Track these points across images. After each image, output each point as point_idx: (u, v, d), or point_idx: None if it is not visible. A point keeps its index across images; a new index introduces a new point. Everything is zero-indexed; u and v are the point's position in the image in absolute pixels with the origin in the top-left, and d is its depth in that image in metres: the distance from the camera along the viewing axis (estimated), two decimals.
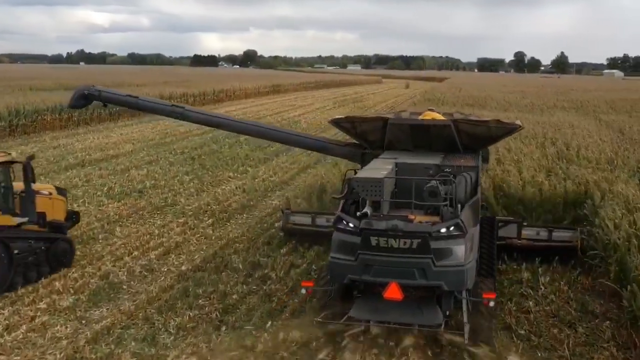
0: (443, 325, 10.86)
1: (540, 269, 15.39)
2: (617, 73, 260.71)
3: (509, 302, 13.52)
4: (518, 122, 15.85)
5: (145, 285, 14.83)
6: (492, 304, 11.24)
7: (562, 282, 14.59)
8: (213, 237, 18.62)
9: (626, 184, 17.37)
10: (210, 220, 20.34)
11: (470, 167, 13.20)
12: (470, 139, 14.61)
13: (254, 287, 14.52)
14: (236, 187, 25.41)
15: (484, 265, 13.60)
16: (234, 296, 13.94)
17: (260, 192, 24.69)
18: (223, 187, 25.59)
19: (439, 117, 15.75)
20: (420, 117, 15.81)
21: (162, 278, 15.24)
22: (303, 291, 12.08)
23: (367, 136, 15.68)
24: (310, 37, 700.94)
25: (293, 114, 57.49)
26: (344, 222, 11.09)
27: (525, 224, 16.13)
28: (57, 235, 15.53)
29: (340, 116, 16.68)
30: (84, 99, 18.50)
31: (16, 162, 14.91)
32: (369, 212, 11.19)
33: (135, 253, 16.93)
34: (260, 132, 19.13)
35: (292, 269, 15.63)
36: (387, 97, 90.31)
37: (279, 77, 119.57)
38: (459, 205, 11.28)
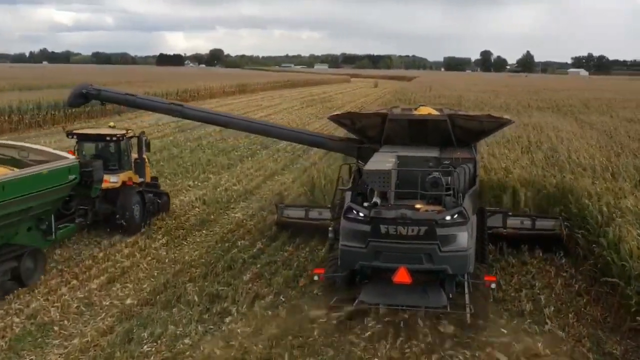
0: (448, 307, 11.66)
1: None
2: (582, 72, 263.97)
3: None
4: (507, 116, 16.69)
5: (81, 325, 12.44)
6: (493, 286, 12.44)
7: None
8: (166, 261, 16.27)
9: (635, 197, 15.38)
10: (164, 239, 17.96)
11: (468, 159, 13.95)
12: (464, 133, 15.23)
13: (211, 327, 12.25)
14: (196, 198, 23.03)
15: (478, 252, 13.71)
16: (186, 340, 11.64)
17: (222, 204, 22.34)
18: (182, 197, 23.19)
19: (434, 111, 16.48)
20: (416, 112, 16.52)
21: (102, 315, 12.87)
22: (315, 278, 12.74)
23: (366, 131, 16.17)
24: (277, 36, 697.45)
25: (260, 114, 55.00)
26: (354, 211, 11.81)
27: (510, 214, 16.78)
28: (162, 190, 20.94)
29: (339, 112, 17.36)
30: (82, 98, 18.73)
31: (133, 136, 19.15)
32: (378, 202, 11.85)
33: (74, 282, 14.50)
34: (257, 128, 19.47)
35: (256, 301, 13.40)
36: (356, 96, 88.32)
37: (246, 76, 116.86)
38: (460, 195, 12.15)
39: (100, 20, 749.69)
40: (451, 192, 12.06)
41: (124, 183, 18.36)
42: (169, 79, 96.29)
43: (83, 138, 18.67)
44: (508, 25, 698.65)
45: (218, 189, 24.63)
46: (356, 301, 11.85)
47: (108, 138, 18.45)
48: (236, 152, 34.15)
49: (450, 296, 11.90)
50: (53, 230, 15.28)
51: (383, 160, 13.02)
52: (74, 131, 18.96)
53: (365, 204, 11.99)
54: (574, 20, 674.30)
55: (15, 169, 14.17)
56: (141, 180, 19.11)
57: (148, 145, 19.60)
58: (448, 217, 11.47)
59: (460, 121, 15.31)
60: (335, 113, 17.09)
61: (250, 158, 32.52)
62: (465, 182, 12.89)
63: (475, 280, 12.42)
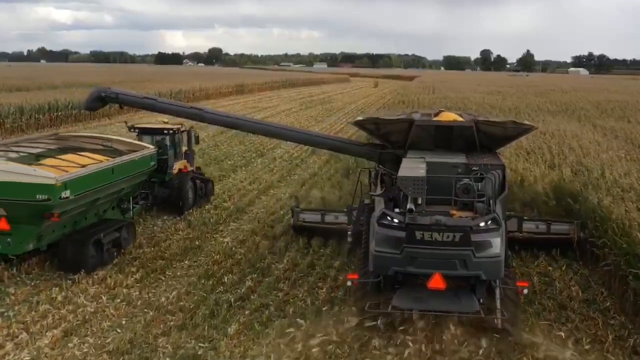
0: (482, 312, 11.62)
1: None
2: (582, 71, 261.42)
3: None
4: (527, 122, 16.73)
5: None
6: (525, 291, 12.59)
7: None
8: (139, 303, 13.70)
9: None
10: (138, 274, 15.37)
11: (497, 165, 13.86)
12: (488, 138, 15.28)
13: None
14: (180, 218, 20.46)
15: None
16: None
17: (210, 226, 19.76)
18: (164, 217, 20.61)
19: (458, 117, 16.36)
20: (438, 118, 16.49)
21: None
22: (349, 283, 12.80)
23: (390, 136, 16.04)
24: (276, 35, 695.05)
25: (256, 117, 52.28)
26: (389, 217, 11.88)
27: (525, 218, 17.08)
28: (207, 177, 23.32)
29: (361, 118, 17.40)
30: (100, 101, 18.84)
31: (183, 130, 21.66)
32: (413, 208, 11.85)
33: (23, 337, 11.93)
34: (279, 133, 19.29)
35: None
36: (356, 97, 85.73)
37: (243, 76, 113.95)
38: (491, 201, 12.25)
39: (98, 18, 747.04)
40: (484, 198, 12.24)
41: (180, 170, 21.21)
42: (164, 78, 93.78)
43: (143, 131, 21.06)
44: (508, 24, 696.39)
45: (207, 207, 22.05)
46: (390, 306, 11.85)
47: (165, 131, 20.89)
48: (229, 160, 31.56)
49: (481, 301, 11.87)
50: (131, 208, 17.99)
51: (415, 167, 12.93)
52: (136, 125, 21.46)
53: (397, 210, 12.17)
54: (574, 19, 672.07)
55: (108, 158, 16.54)
56: (192, 168, 21.98)
57: (197, 138, 22.63)
58: (482, 224, 11.58)
59: (485, 127, 15.32)
60: (359, 118, 17.14)
61: (243, 168, 29.95)
62: (495, 188, 12.90)
63: (506, 286, 12.44)
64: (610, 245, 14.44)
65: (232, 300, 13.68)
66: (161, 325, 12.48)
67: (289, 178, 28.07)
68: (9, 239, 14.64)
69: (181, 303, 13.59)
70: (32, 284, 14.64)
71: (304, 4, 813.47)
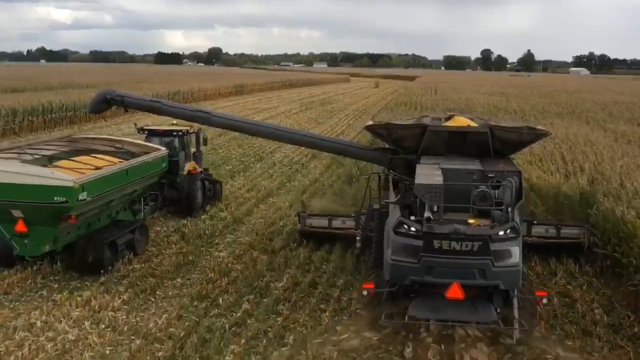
0: (500, 322, 11.49)
1: None
2: (583, 71, 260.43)
3: None
4: (540, 127, 16.48)
5: None
6: (545, 301, 12.33)
7: None
8: (125, 329, 12.54)
9: None
10: (126, 294, 14.22)
11: (514, 172, 13.44)
12: (502, 144, 14.94)
13: None
14: (174, 230, 19.36)
15: None
16: None
17: (205, 239, 18.63)
18: (157, 228, 19.53)
19: (471, 122, 16.09)
20: (450, 123, 16.19)
21: None
22: (365, 292, 12.52)
23: (402, 142, 15.68)
24: (276, 35, 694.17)
25: (256, 119, 51.16)
26: (406, 226, 11.70)
27: (535, 222, 16.86)
28: (215, 179, 23.47)
29: (371, 122, 16.99)
30: (105, 104, 18.62)
31: (191, 132, 21.72)
32: (431, 216, 11.59)
33: None
34: (289, 137, 18.82)
35: None
36: (357, 98, 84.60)
37: (243, 76, 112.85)
38: (509, 209, 11.96)
39: (98, 18, 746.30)
40: (502, 206, 11.98)
41: (189, 172, 21.23)
42: (164, 78, 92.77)
43: (152, 133, 21.22)
44: (508, 24, 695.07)
45: (202, 217, 20.93)
46: (406, 316, 11.77)
47: (174, 133, 21.12)
48: (227, 165, 30.45)
49: (498, 311, 11.71)
50: (142, 209, 18.15)
51: (432, 174, 12.64)
52: (144, 127, 21.72)
53: (412, 218, 12.01)
54: (574, 18, 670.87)
55: (121, 159, 16.66)
56: (200, 170, 21.98)
57: (205, 140, 22.61)
58: (502, 232, 11.43)
59: (500, 133, 14.94)
60: (370, 123, 16.75)
61: (242, 173, 28.84)
62: (512, 195, 12.51)
63: (525, 295, 12.31)
64: (637, 265, 13.34)
65: (227, 326, 12.54)
66: (148, 358, 11.33)
67: (288, 185, 26.94)
68: (25, 241, 14.85)
69: (171, 329, 12.41)
70: (11, 306, 13.53)
71: (304, 3, 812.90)
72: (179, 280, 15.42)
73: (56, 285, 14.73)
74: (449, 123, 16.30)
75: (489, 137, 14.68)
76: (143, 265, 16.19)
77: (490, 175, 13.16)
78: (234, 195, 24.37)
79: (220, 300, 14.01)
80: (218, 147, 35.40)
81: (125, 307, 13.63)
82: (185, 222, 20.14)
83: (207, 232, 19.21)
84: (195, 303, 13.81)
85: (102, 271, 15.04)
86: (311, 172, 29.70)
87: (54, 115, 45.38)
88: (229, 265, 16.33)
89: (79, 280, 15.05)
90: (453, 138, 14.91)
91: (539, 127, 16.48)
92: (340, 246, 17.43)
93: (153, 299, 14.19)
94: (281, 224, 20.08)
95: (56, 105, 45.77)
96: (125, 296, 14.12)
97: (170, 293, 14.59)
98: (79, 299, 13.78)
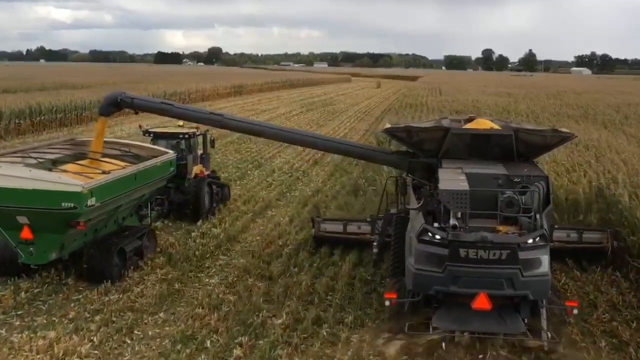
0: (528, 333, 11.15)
1: None
2: (585, 71, 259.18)
3: None
4: (564, 129, 15.67)
5: None
6: (575, 311, 11.58)
7: None
8: None
9: None
10: (97, 336, 12.04)
11: (540, 177, 12.90)
12: (526, 147, 14.42)
13: None
14: (160, 250, 17.24)
15: None
16: None
17: (194, 262, 16.51)
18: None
19: (494, 125, 15.44)
20: (471, 125, 15.50)
21: None
22: (387, 303, 11.90)
23: (423, 145, 15.15)
24: (276, 35, 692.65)
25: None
26: (430, 233, 11.24)
27: (556, 226, 16.11)
28: (223, 182, 22.93)
29: (388, 125, 16.74)
30: (114, 106, 17.80)
31: (199, 134, 21.33)
32: (457, 224, 11.25)
33: None
34: (303, 140, 18.24)
35: None
36: (359, 98, 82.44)
37: (242, 76, 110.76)
38: (537, 215, 11.50)
39: (98, 17, 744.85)
40: (531, 213, 11.55)
41: (196, 175, 20.68)
42: (163, 78, 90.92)
43: (158, 136, 20.56)
44: (509, 24, 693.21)
45: (192, 234, 18.82)
46: (431, 328, 11.38)
47: (181, 136, 20.53)
48: (223, 173, 28.26)
49: (526, 321, 11.24)
50: (149, 214, 17.74)
51: (456, 179, 12.18)
52: (150, 130, 20.90)
53: (436, 225, 11.55)
54: (575, 18, 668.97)
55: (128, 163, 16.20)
56: (207, 172, 21.35)
57: (212, 142, 21.89)
58: (530, 241, 11.00)
59: (525, 136, 14.40)
60: (388, 126, 16.44)
61: (238, 182, 26.73)
62: (540, 201, 11.98)
63: (555, 306, 11.83)
64: None
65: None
66: None
67: (289, 195, 24.86)
68: (31, 249, 14.17)
69: None
70: None
71: (304, 3, 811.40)
72: (161, 315, 13.28)
73: (18, 323, 12.67)
74: (470, 125, 15.58)
75: (514, 140, 14.06)
76: (121, 295, 14.07)
77: (516, 180, 12.60)
78: (229, 208, 22.23)
79: (208, 342, 11.88)
80: (214, 153, 33.09)
81: (95, 352, 11.51)
82: (174, 241, 18.04)
83: (197, 253, 17.09)
84: (179, 347, 11.69)
85: (109, 281, 14.44)
86: (313, 180, 27.65)
87: (43, 118, 43.31)
88: (220, 296, 14.18)
89: (45, 316, 12.98)
90: (476, 141, 14.37)
91: (564, 129, 15.64)
92: (347, 271, 15.43)
93: (129, 341, 12.06)
94: (280, 243, 17.99)
95: (45, 107, 43.70)
96: (96, 337, 11.97)
97: (150, 333, 12.45)
98: (40, 342, 11.64)
